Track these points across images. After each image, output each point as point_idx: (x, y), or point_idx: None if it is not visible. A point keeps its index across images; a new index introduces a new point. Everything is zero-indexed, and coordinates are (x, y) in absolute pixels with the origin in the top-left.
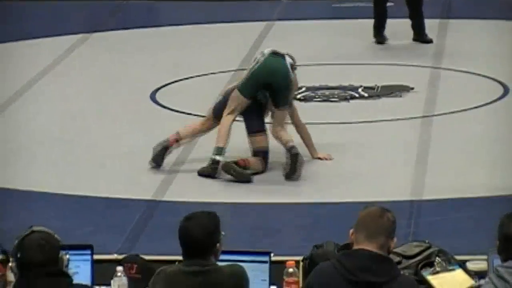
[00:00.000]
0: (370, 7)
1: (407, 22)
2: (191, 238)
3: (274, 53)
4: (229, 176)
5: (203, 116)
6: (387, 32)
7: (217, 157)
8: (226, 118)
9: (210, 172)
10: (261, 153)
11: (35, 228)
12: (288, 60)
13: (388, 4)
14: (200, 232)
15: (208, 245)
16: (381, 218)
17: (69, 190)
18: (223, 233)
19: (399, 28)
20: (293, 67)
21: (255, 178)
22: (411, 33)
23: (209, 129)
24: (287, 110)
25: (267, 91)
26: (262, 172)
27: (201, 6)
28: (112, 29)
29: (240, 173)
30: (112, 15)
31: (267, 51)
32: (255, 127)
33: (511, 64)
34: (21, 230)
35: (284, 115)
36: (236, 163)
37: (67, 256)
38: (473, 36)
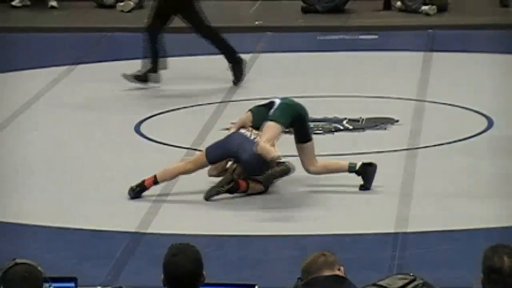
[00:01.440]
0: (356, 39)
1: (391, 54)
2: (182, 272)
3: (284, 98)
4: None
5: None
6: (371, 65)
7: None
8: (270, 148)
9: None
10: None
11: (18, 261)
12: None
13: (372, 37)
14: (190, 265)
15: (198, 277)
16: (321, 257)
17: (53, 221)
18: None
19: (383, 61)
20: None
21: (240, 209)
22: (397, 66)
23: (193, 171)
24: (312, 143)
25: (293, 126)
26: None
27: (186, 39)
28: (96, 61)
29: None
30: (97, 47)
31: (276, 99)
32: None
33: (495, 97)
34: (4, 262)
35: (313, 147)
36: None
37: None
38: (457, 68)
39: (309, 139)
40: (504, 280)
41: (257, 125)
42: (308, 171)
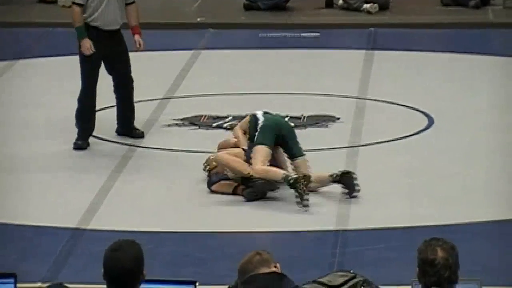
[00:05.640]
0: (298, 37)
1: (333, 52)
2: (121, 268)
3: (266, 112)
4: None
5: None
6: (313, 62)
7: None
8: (262, 168)
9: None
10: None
11: None
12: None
13: (314, 34)
14: (129, 261)
15: (137, 274)
16: (256, 256)
17: None
18: None
19: (325, 59)
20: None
21: (182, 206)
22: (339, 64)
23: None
24: (305, 159)
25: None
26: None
27: (128, 34)
28: (38, 56)
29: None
30: (38, 42)
31: (258, 112)
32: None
33: (436, 96)
34: None
35: (306, 163)
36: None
37: None
38: (398, 67)
39: (296, 156)
40: (438, 271)
41: (250, 135)
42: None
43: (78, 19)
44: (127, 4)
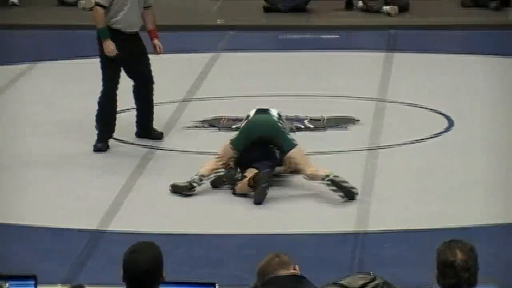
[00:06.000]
0: (318, 39)
1: (352, 54)
2: (140, 269)
3: (260, 111)
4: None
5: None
6: (333, 64)
7: (195, 184)
8: (213, 162)
9: (183, 190)
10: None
11: None
12: (274, 111)
13: (334, 36)
14: (148, 263)
15: (157, 276)
16: (275, 259)
17: (13, 219)
18: None
19: (344, 60)
20: (280, 115)
21: (200, 207)
22: (358, 65)
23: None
24: (298, 149)
25: (265, 146)
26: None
27: (146, 36)
28: (57, 59)
29: (230, 177)
30: (58, 44)
31: (252, 111)
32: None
33: (456, 97)
34: None
35: (299, 154)
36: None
37: (6, 285)
38: (418, 69)
39: (287, 150)
40: (457, 273)
41: None
42: (306, 178)
43: (101, 20)
44: (144, 8)
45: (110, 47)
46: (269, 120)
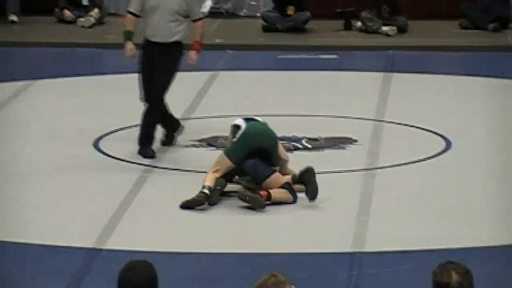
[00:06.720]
0: (316, 59)
1: (351, 74)
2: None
3: (249, 119)
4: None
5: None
6: (331, 84)
7: (206, 190)
8: (211, 175)
9: (196, 202)
10: (286, 185)
11: None
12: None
13: (332, 56)
14: (143, 281)
15: None
16: (271, 278)
17: (9, 236)
18: None
19: (343, 81)
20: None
21: (196, 225)
22: (357, 85)
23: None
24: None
25: (257, 157)
26: (293, 202)
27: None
28: (56, 76)
29: (253, 199)
30: (57, 62)
31: (239, 121)
32: (266, 173)
33: (454, 118)
34: None
35: (285, 163)
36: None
37: None
38: (416, 89)
39: (275, 164)
40: None
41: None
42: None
43: (127, 24)
44: (192, 21)
45: (127, 48)
46: (266, 129)
